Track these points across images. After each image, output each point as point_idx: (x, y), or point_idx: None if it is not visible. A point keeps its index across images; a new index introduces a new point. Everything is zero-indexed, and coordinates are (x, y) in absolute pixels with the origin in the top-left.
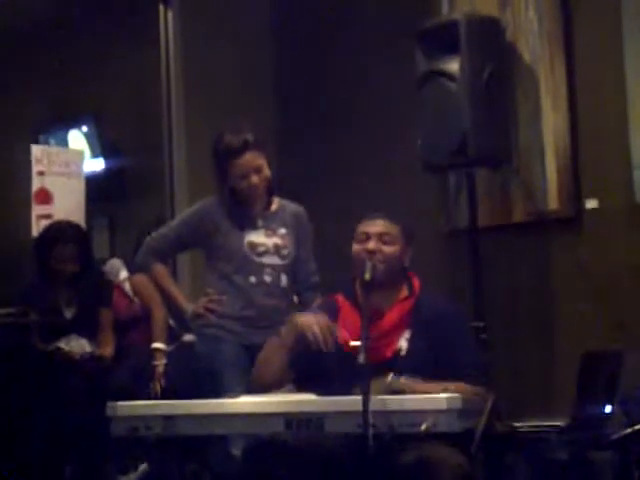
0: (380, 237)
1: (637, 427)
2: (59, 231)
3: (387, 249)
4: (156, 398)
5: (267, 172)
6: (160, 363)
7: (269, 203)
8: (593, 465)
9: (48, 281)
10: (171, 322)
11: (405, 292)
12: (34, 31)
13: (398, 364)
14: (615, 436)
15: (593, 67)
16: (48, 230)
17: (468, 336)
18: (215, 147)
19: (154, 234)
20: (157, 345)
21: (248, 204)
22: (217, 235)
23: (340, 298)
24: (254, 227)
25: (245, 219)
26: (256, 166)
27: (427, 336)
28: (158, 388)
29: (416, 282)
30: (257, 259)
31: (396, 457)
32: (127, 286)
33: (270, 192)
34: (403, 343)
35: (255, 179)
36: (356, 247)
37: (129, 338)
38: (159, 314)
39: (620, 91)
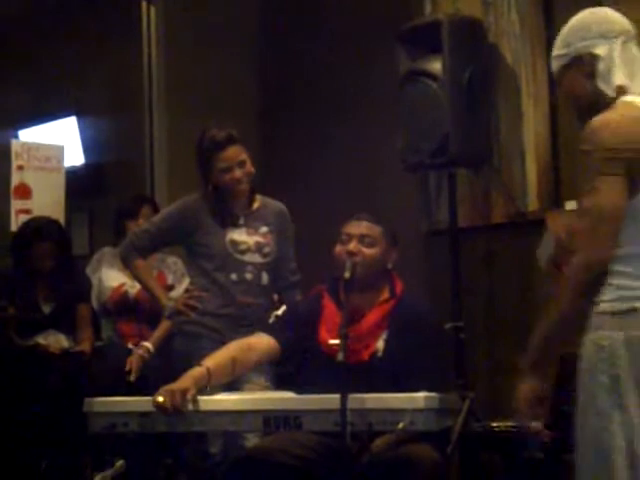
0: (361, 239)
1: None
2: (37, 229)
3: (367, 251)
4: (132, 385)
5: (251, 168)
6: (140, 352)
7: (251, 201)
8: (568, 465)
9: (26, 276)
10: None
11: (386, 294)
12: (14, 25)
13: (375, 365)
14: None
15: None
16: (26, 227)
17: (435, 345)
18: (199, 142)
19: (136, 229)
20: (146, 344)
21: (231, 200)
22: (199, 232)
23: (325, 295)
24: (236, 225)
25: (227, 217)
26: (240, 160)
27: (403, 338)
28: (132, 375)
29: (398, 284)
30: (239, 257)
31: (374, 455)
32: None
33: (253, 190)
34: (380, 344)
35: (239, 173)
36: (338, 248)
37: (125, 327)
38: (167, 324)
39: None
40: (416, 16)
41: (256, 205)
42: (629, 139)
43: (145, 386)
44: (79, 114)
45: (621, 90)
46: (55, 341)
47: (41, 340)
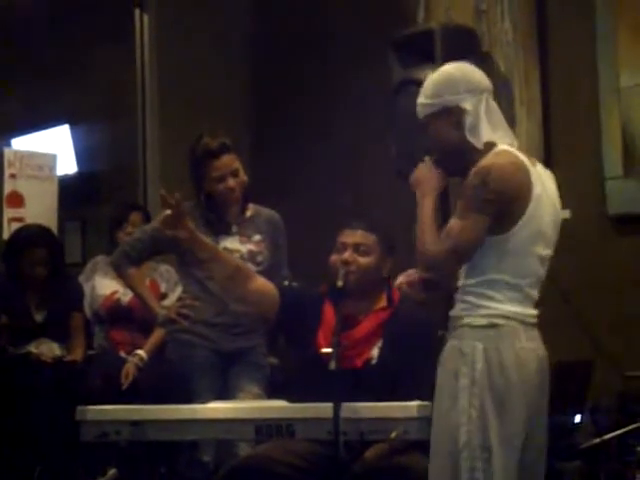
0: (356, 247)
1: (605, 437)
2: (29, 236)
3: (362, 260)
4: (124, 394)
5: (243, 176)
6: (135, 361)
7: (244, 209)
8: (562, 474)
9: (18, 284)
10: None
11: (383, 302)
12: (7, 34)
13: (368, 373)
14: (584, 446)
15: (567, 78)
16: (18, 234)
17: (431, 354)
18: (192, 150)
19: (128, 238)
20: (140, 352)
21: (224, 209)
22: None
23: (326, 300)
24: (229, 233)
25: (220, 225)
26: (233, 169)
27: (398, 347)
28: (125, 383)
29: (396, 292)
30: None
31: (367, 464)
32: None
33: (245, 198)
34: (375, 352)
35: (232, 182)
36: (333, 257)
37: (117, 335)
38: (161, 332)
39: (594, 102)
40: (409, 25)
41: (249, 213)
42: (514, 185)
43: (137, 394)
44: (72, 122)
45: (488, 144)
46: (47, 349)
47: (33, 348)
